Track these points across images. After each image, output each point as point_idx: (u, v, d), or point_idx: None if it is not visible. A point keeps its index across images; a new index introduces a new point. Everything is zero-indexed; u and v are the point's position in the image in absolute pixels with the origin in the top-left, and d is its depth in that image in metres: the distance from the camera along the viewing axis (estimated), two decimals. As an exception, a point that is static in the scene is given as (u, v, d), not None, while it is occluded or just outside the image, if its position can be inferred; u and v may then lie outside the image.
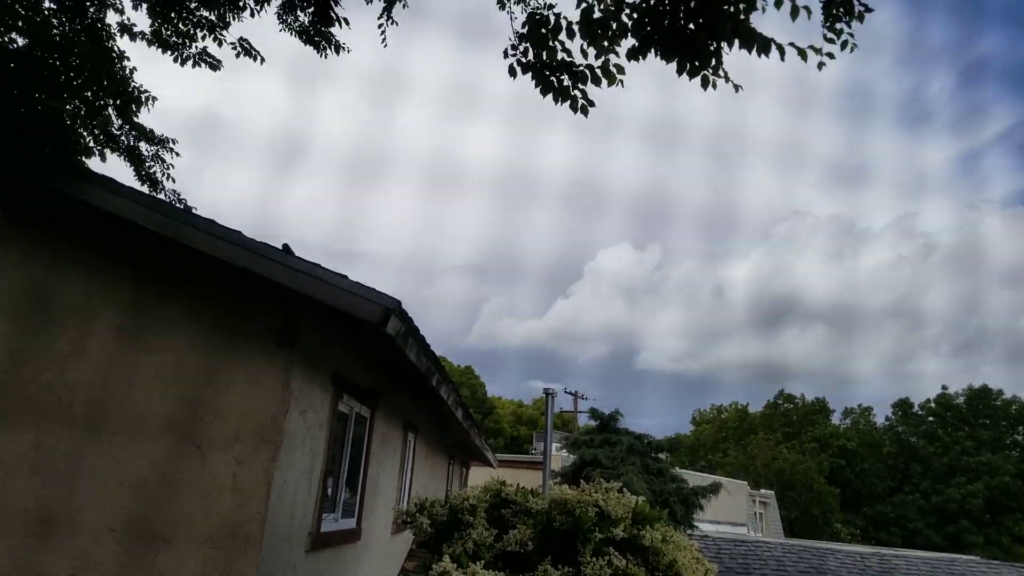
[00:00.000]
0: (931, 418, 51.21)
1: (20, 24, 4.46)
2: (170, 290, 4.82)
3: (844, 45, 4.08)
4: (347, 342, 5.79)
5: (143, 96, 5.14)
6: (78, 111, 4.73)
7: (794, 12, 3.88)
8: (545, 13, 4.50)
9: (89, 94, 4.74)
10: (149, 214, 4.57)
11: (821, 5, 4.09)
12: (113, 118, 5.13)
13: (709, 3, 3.91)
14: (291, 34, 6.01)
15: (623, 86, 4.38)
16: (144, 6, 5.68)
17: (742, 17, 3.93)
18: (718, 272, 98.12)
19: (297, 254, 4.60)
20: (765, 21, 3.98)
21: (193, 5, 5.73)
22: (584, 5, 4.22)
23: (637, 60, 4.20)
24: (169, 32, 5.85)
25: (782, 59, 3.96)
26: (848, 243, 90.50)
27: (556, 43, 4.49)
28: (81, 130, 4.90)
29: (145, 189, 5.71)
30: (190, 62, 5.98)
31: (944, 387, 52.02)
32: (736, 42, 3.98)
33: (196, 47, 5.94)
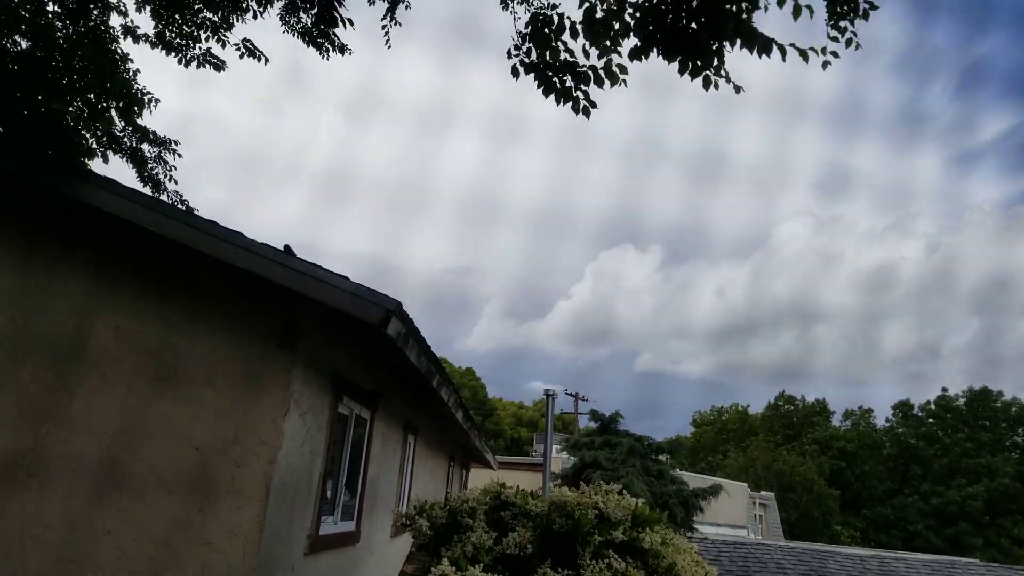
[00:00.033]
0: (931, 420, 51.19)
1: (23, 26, 4.45)
2: (171, 291, 4.81)
3: (849, 43, 4.07)
4: (348, 343, 5.78)
5: (146, 98, 5.13)
6: (80, 113, 4.72)
7: (796, 11, 3.87)
8: (548, 13, 4.50)
9: (92, 96, 4.73)
10: (150, 216, 4.56)
11: (825, 3, 4.08)
12: (116, 120, 5.12)
13: (711, 2, 3.90)
14: (293, 35, 6.01)
15: (626, 85, 4.37)
16: (148, 8, 5.67)
17: (744, 16, 3.92)
18: (719, 273, 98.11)
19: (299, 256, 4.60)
20: (768, 21, 3.97)
21: (197, 6, 5.72)
22: (587, 5, 4.21)
23: (639, 60, 4.19)
24: (173, 34, 5.85)
25: (783, 59, 3.95)
26: (849, 245, 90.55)
27: (559, 43, 4.49)
28: (83, 132, 4.89)
29: (148, 191, 5.70)
30: (194, 63, 5.97)
31: (944, 389, 52.06)
32: (738, 42, 3.98)
33: (200, 48, 5.94)
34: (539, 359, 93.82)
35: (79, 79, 4.50)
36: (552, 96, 4.57)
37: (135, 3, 5.59)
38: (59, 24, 4.82)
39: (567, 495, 4.34)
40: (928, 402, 52.24)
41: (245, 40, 5.94)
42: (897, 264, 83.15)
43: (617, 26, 4.23)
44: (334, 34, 5.98)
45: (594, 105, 4.54)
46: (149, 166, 5.63)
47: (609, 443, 19.12)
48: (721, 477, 32.34)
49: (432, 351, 5.77)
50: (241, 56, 5.96)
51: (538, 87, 4.56)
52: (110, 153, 5.30)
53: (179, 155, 5.74)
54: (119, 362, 4.64)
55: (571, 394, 38.80)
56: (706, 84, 4.12)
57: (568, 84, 4.53)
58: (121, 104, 4.91)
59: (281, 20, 5.97)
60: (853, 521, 45.36)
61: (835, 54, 4.08)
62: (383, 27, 5.77)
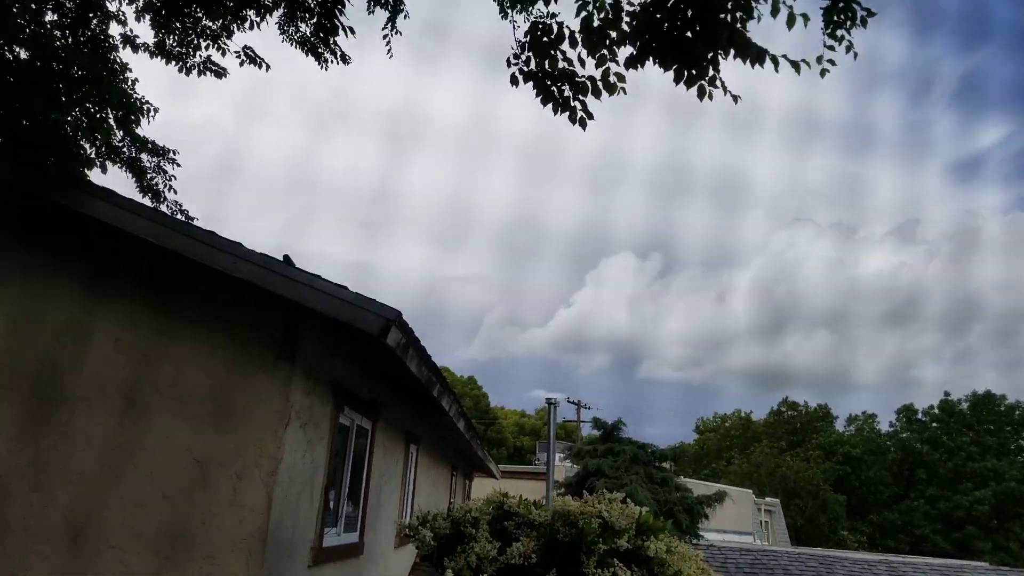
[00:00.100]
0: (934, 424, 50.99)
1: (22, 36, 4.47)
2: (170, 303, 4.79)
3: (848, 49, 4.07)
4: (348, 354, 5.76)
5: (144, 108, 5.14)
6: (79, 123, 4.73)
7: (790, 20, 3.87)
8: (547, 22, 4.51)
9: (90, 106, 4.74)
10: (149, 226, 4.56)
11: (822, 12, 4.08)
12: (114, 130, 5.13)
13: (706, 12, 3.91)
14: (292, 45, 6.02)
15: (625, 93, 4.38)
16: (147, 17, 5.69)
17: (739, 26, 3.93)
18: (720, 280, 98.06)
19: (299, 266, 4.59)
20: (769, 28, 3.97)
21: (198, 14, 5.74)
22: (584, 14, 4.22)
23: (635, 68, 4.20)
24: (173, 43, 5.86)
25: (776, 70, 3.97)
26: (849, 250, 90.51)
27: (558, 52, 4.50)
28: (82, 142, 4.90)
29: (147, 201, 5.70)
30: (195, 71, 5.98)
31: (946, 393, 51.86)
32: (732, 52, 3.99)
33: (200, 55, 5.95)
34: (541, 367, 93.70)
35: (78, 89, 4.51)
36: (550, 105, 4.58)
37: (134, 12, 5.60)
38: (58, 34, 4.83)
39: (570, 504, 4.32)
40: (931, 406, 52.06)
41: (246, 47, 5.95)
42: (896, 270, 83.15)
43: (614, 35, 4.24)
44: (335, 43, 6.00)
45: (591, 116, 4.55)
46: (148, 176, 5.63)
47: (612, 451, 19.03)
48: (725, 484, 32.22)
49: (432, 360, 5.74)
50: (241, 64, 5.97)
51: (536, 96, 4.57)
52: (109, 163, 5.30)
53: (178, 164, 5.75)
54: (119, 374, 4.62)
55: (573, 402, 38.75)
56: (700, 94, 4.13)
57: (567, 94, 4.54)
58: (119, 114, 4.91)
59: (279, 29, 5.98)
60: (859, 526, 45.13)
61: (832, 62, 4.08)
62: (384, 37, 5.79)
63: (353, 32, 5.91)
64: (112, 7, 5.29)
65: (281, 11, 5.88)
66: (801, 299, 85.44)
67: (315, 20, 5.82)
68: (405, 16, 5.77)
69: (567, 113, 4.54)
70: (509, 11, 4.92)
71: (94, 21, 5.08)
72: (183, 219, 5.66)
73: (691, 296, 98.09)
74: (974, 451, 46.46)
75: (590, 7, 4.21)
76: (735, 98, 4.18)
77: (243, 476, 4.44)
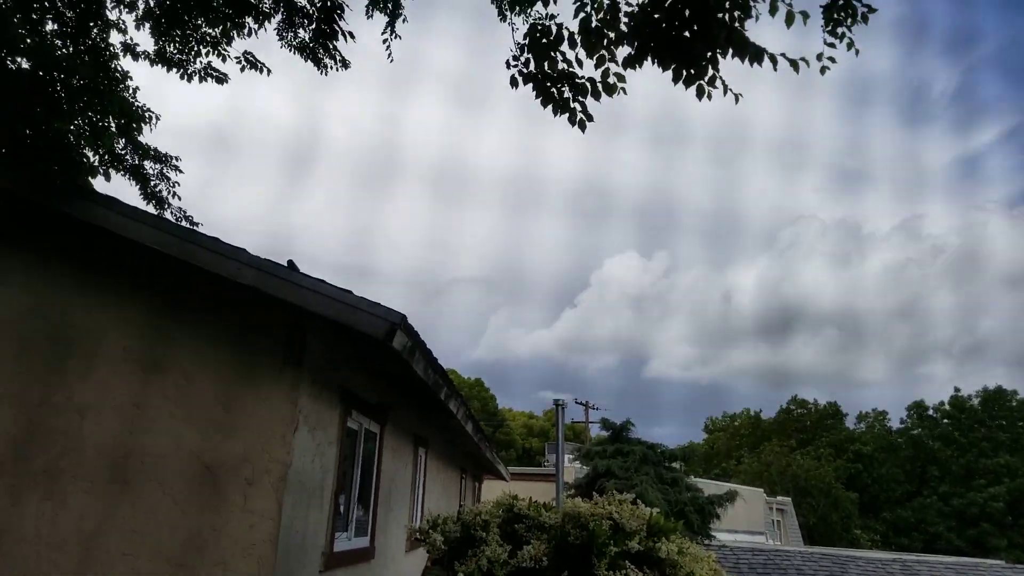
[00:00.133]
0: (946, 420, 50.69)
1: (23, 46, 4.49)
2: (177, 310, 4.80)
3: (850, 46, 4.05)
4: (354, 358, 5.77)
5: (146, 115, 5.16)
6: (82, 131, 4.75)
7: (789, 19, 3.85)
8: (546, 24, 4.51)
9: (92, 114, 4.76)
10: (153, 234, 4.57)
11: (821, 9, 4.07)
12: (116, 138, 5.15)
13: (704, 11, 3.90)
14: (291, 51, 6.04)
15: (625, 93, 4.37)
16: (147, 25, 5.71)
17: (736, 26, 3.92)
18: (726, 278, 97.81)
19: (303, 270, 4.59)
20: (770, 24, 3.96)
21: (198, 22, 5.77)
22: (582, 15, 4.22)
23: (634, 68, 4.19)
24: (174, 50, 5.89)
25: (774, 69, 3.95)
26: (855, 247, 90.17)
27: (557, 53, 4.49)
28: (86, 150, 4.92)
29: (151, 208, 5.72)
30: (196, 77, 6.01)
31: (957, 388, 51.56)
32: (730, 51, 3.98)
33: (201, 62, 5.97)
34: (548, 369, 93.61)
35: (79, 98, 4.53)
36: (550, 107, 4.57)
37: (134, 21, 5.63)
38: (59, 43, 4.85)
39: (581, 506, 4.30)
40: (942, 402, 51.78)
41: (246, 53, 5.97)
42: (904, 265, 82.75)
43: (612, 35, 4.24)
44: (335, 47, 6.01)
45: (590, 118, 4.54)
46: (152, 183, 5.65)
47: (621, 451, 18.99)
48: (736, 483, 32.08)
49: (439, 363, 5.74)
50: (242, 69, 5.98)
51: (536, 97, 4.56)
52: (112, 171, 5.32)
53: (180, 171, 5.77)
54: (127, 382, 4.64)
55: (581, 403, 38.69)
56: (699, 94, 4.11)
57: (566, 95, 4.53)
58: (121, 121, 4.93)
59: (278, 36, 6.00)
60: (873, 524, 44.89)
61: (832, 59, 4.06)
62: (384, 41, 5.80)
63: (353, 36, 5.92)
64: (112, 16, 5.32)
65: (279, 17, 5.90)
66: (806, 297, 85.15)
67: (314, 26, 5.83)
68: (404, 20, 5.78)
69: (567, 114, 4.53)
70: (507, 13, 4.92)
71: (94, 30, 5.11)
72: (187, 225, 5.68)
73: (697, 294, 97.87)
74: (986, 447, 46.18)
75: (588, 8, 4.21)
76: (736, 96, 4.17)
77: (253, 482, 4.44)
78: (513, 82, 4.57)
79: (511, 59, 4.62)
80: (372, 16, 5.62)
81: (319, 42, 5.89)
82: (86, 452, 4.51)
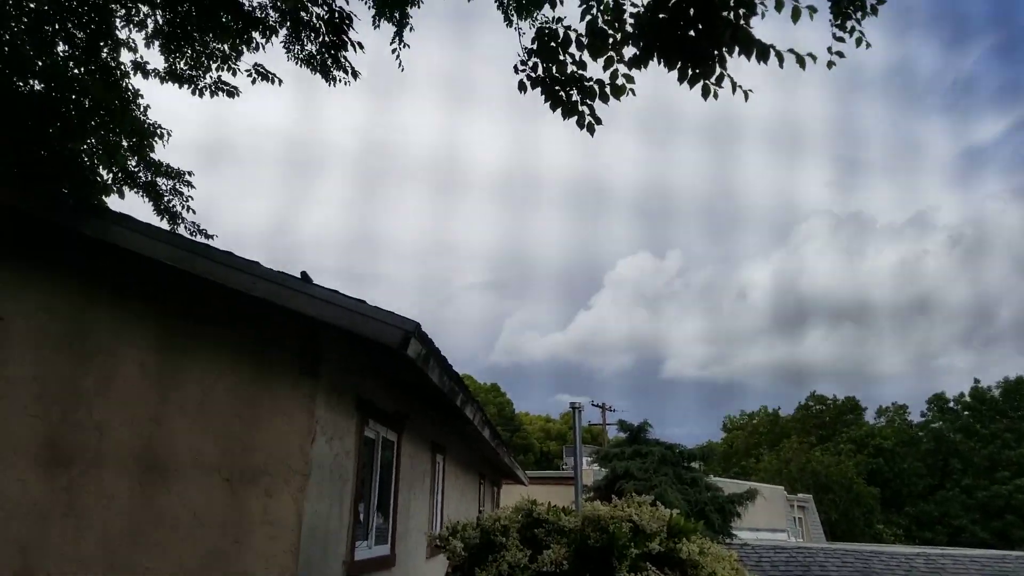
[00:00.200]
0: (966, 412, 50.11)
1: (36, 68, 4.54)
2: (192, 324, 4.83)
3: (859, 42, 4.02)
4: (369, 367, 5.78)
5: (158, 132, 5.20)
6: (95, 151, 4.80)
7: (795, 14, 3.82)
8: (553, 27, 4.51)
9: (105, 133, 4.81)
10: (167, 250, 4.60)
11: (829, 3, 4.03)
12: (129, 157, 5.20)
13: (708, 10, 3.88)
14: (298, 64, 6.07)
15: (634, 94, 4.36)
16: (157, 43, 5.77)
17: (741, 23, 3.90)
18: (740, 275, 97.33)
19: (315, 280, 4.61)
20: (777, 19, 3.93)
21: (207, 37, 5.81)
22: (589, 17, 4.22)
23: (639, 68, 4.18)
24: (184, 67, 5.93)
25: (780, 66, 3.91)
26: (869, 240, 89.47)
27: (566, 55, 4.49)
28: (100, 168, 4.96)
29: (165, 223, 5.77)
30: (207, 92, 6.05)
31: (977, 380, 50.97)
32: (736, 49, 3.95)
33: (211, 77, 6.02)
34: (563, 371, 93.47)
35: (92, 117, 4.58)
36: (559, 110, 4.57)
37: (143, 39, 5.68)
38: (71, 64, 4.91)
39: (600, 509, 4.29)
40: (961, 394, 51.20)
41: (256, 65, 6.00)
42: (919, 258, 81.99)
43: (619, 36, 4.23)
44: (344, 58, 6.03)
45: (599, 122, 4.53)
46: (165, 199, 5.70)
47: (640, 453, 18.91)
48: (755, 481, 31.87)
49: (454, 370, 5.74)
50: (253, 82, 6.02)
51: (545, 101, 4.56)
52: (126, 188, 5.37)
53: (192, 186, 5.81)
54: (145, 397, 4.67)
55: (597, 405, 38.59)
56: (705, 93, 4.09)
57: (575, 98, 4.52)
58: (133, 140, 4.98)
59: (285, 49, 6.03)
60: (895, 519, 44.40)
61: (840, 54, 4.03)
62: (393, 51, 5.82)
63: (362, 47, 5.95)
64: (122, 35, 5.37)
65: (285, 31, 5.93)
66: (821, 292, 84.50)
67: (320, 39, 5.86)
68: (411, 29, 5.80)
69: (575, 117, 4.53)
70: (513, 18, 4.93)
71: (105, 50, 5.16)
72: (201, 239, 5.72)
73: (711, 292, 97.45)
74: (1009, 438, 45.59)
75: (594, 10, 4.20)
76: (746, 94, 4.14)
77: (272, 493, 4.46)
78: (521, 86, 4.58)
79: (519, 63, 4.62)
80: (379, 26, 5.65)
81: (328, 54, 5.92)
82: (107, 468, 4.54)
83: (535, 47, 4.55)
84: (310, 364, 4.67)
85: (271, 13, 5.83)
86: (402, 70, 5.81)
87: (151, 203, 5.65)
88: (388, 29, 5.78)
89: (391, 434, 6.72)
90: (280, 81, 6.12)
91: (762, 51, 3.90)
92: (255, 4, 5.78)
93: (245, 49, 5.93)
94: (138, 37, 5.63)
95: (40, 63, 4.55)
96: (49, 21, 4.62)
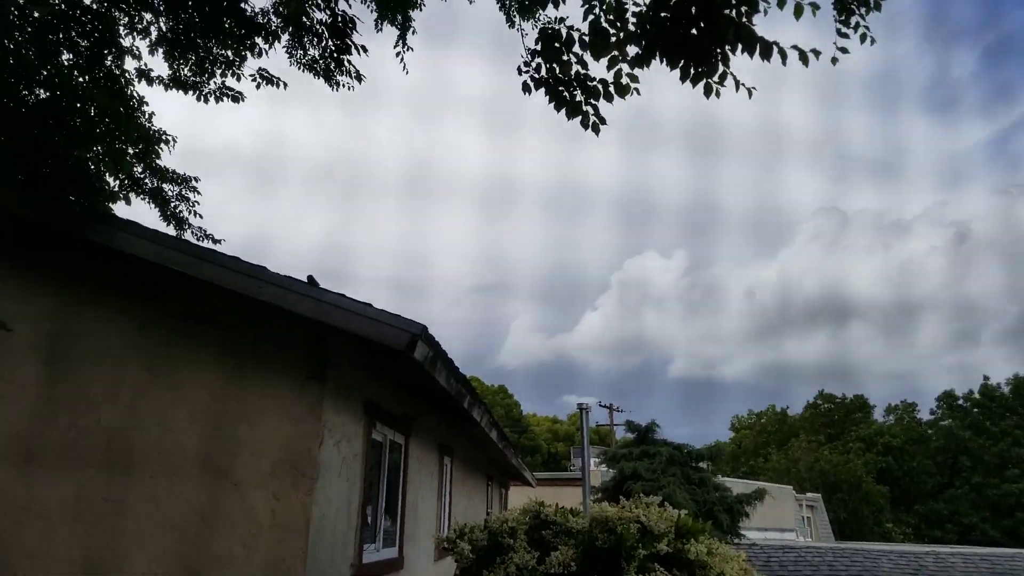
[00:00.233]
0: (976, 410, 49.84)
1: (40, 77, 4.57)
2: (200, 329, 4.85)
3: (863, 39, 4.00)
4: (376, 370, 5.79)
5: (164, 139, 5.23)
6: (101, 158, 4.82)
7: (798, 11, 3.80)
8: (556, 27, 4.51)
9: (111, 140, 4.83)
10: (174, 255, 4.62)
11: (832, 0, 4.02)
12: (135, 164, 5.22)
13: (710, 8, 3.87)
14: (300, 69, 6.08)
15: (638, 94, 4.35)
16: (161, 50, 5.79)
17: (744, 21, 3.88)
18: (748, 275, 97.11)
19: (322, 284, 4.62)
20: (782, 17, 3.92)
21: (210, 44, 5.83)
22: (591, 17, 4.21)
23: (642, 67, 4.17)
24: (188, 73, 5.95)
25: (784, 63, 3.89)
26: (877, 237, 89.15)
27: (571, 56, 4.49)
28: (107, 175, 4.98)
29: (171, 229, 5.79)
30: (212, 98, 6.07)
31: (986, 377, 50.67)
32: (739, 47, 3.94)
33: (215, 83, 6.03)
34: (570, 372, 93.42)
35: (97, 125, 4.60)
36: (563, 111, 4.56)
37: (147, 46, 5.71)
38: (75, 72, 4.93)
39: (608, 510, 4.28)
40: (971, 391, 50.93)
41: (261, 70, 6.02)
42: (927, 254, 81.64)
43: (621, 35, 4.22)
44: (348, 62, 6.04)
45: (603, 121, 4.52)
46: (172, 205, 5.72)
47: (647, 453, 18.85)
48: (764, 481, 31.76)
49: (461, 372, 5.74)
50: (258, 86, 6.04)
51: (549, 102, 4.56)
52: (132, 195, 5.40)
53: (199, 192, 5.83)
54: (152, 403, 4.69)
55: (605, 406, 38.54)
56: (707, 92, 4.08)
57: (579, 99, 4.52)
58: (139, 147, 5.00)
59: (287, 54, 6.04)
60: (905, 518, 44.18)
61: (844, 50, 4.01)
62: (397, 54, 5.83)
63: (366, 51, 5.95)
64: (126, 43, 5.40)
65: (287, 36, 5.94)
66: (829, 290, 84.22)
67: (323, 43, 5.87)
68: (413, 32, 5.82)
69: (579, 117, 4.52)
70: (516, 19, 4.93)
71: (109, 58, 5.18)
72: (208, 244, 5.74)
73: (719, 292, 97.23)
74: (1019, 435, 45.35)
75: (597, 9, 4.20)
76: (750, 91, 4.13)
77: (280, 497, 4.47)
78: (525, 87, 4.57)
79: (522, 64, 4.62)
80: (382, 29, 5.66)
81: (332, 58, 5.93)
82: (115, 473, 4.56)
83: (539, 48, 4.55)
84: (317, 367, 4.68)
85: (273, 19, 5.84)
86: (406, 73, 5.81)
87: (157, 209, 5.68)
88: (387, 38, 5.80)
89: (398, 436, 6.73)
90: (285, 85, 6.14)
91: (765, 49, 3.88)
92: (257, 10, 5.81)
93: (249, 55, 5.95)
94: (142, 44, 5.67)
95: (45, 72, 4.58)
96: (53, 30, 4.65)
